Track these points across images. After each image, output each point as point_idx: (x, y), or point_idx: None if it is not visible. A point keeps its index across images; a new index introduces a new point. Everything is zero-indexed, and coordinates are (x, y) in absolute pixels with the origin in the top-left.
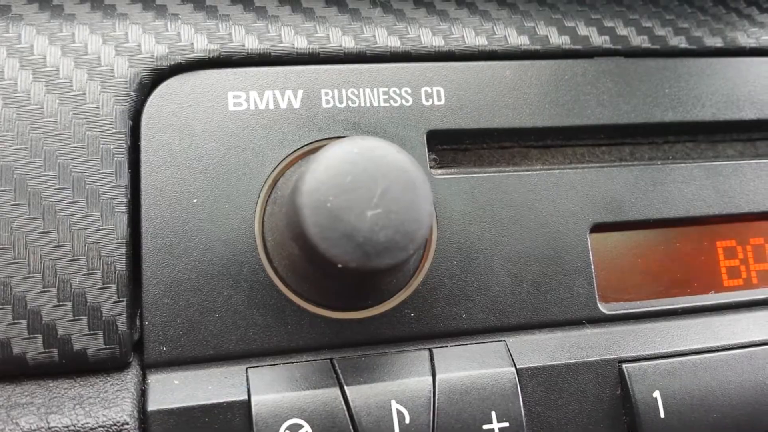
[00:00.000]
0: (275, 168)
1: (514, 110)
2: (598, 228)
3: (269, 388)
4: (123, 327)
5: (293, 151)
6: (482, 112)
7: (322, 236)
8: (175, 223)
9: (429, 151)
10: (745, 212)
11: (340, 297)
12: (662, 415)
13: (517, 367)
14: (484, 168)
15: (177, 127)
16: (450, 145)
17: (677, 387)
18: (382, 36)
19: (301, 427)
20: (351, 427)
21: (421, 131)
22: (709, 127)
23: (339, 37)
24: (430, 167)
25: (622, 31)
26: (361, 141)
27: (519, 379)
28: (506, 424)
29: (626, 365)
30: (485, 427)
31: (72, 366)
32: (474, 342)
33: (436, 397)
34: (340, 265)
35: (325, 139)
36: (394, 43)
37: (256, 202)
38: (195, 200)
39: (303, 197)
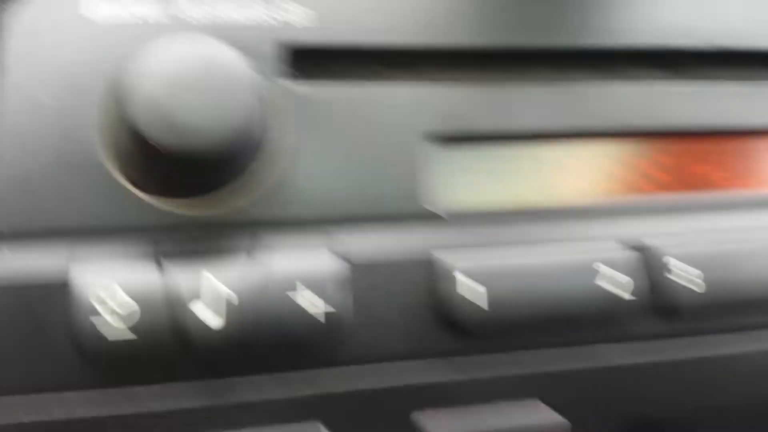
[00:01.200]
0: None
1: (380, 29)
2: (433, 137)
3: (90, 267)
4: None
5: None
6: (347, 29)
7: (142, 118)
8: (20, 119)
9: (284, 65)
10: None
11: (167, 182)
12: (486, 308)
13: (352, 262)
14: (339, 82)
15: (30, 32)
16: (311, 61)
17: (503, 284)
18: None
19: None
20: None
21: (279, 45)
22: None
23: None
24: (282, 79)
25: None
26: (191, 36)
27: (349, 272)
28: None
29: (456, 264)
30: (311, 311)
31: None
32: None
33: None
34: (153, 144)
35: None
36: None
37: (97, 97)
38: (43, 99)
39: (127, 80)
